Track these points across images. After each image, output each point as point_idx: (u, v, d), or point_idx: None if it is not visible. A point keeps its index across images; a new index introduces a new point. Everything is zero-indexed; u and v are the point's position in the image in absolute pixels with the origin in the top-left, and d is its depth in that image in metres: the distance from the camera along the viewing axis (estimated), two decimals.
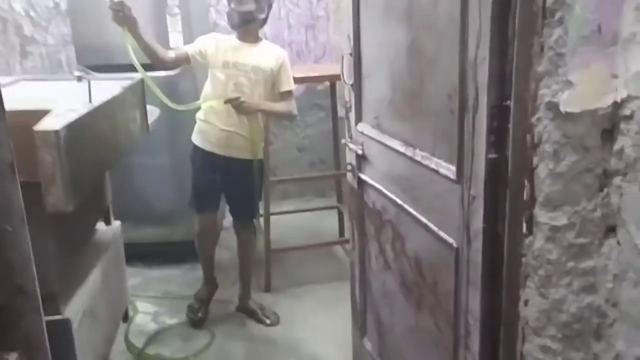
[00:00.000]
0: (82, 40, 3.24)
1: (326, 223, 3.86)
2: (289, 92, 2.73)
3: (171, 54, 2.64)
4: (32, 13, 3.97)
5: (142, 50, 2.46)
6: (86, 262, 2.19)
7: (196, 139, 2.74)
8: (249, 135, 2.67)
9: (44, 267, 1.32)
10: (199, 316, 2.85)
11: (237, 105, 2.53)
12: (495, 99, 1.16)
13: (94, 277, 2.18)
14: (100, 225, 2.60)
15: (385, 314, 1.93)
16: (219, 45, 2.67)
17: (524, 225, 1.13)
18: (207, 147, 2.71)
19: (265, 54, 2.68)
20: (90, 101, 1.65)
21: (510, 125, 1.13)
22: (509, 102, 1.13)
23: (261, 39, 2.76)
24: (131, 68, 2.35)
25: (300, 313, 2.93)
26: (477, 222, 1.24)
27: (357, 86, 1.93)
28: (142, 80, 2.25)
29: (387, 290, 1.88)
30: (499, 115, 1.16)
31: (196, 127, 2.75)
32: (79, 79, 2.11)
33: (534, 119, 1.08)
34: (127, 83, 2.06)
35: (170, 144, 3.26)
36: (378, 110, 1.80)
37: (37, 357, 1.11)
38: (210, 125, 2.68)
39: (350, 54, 1.93)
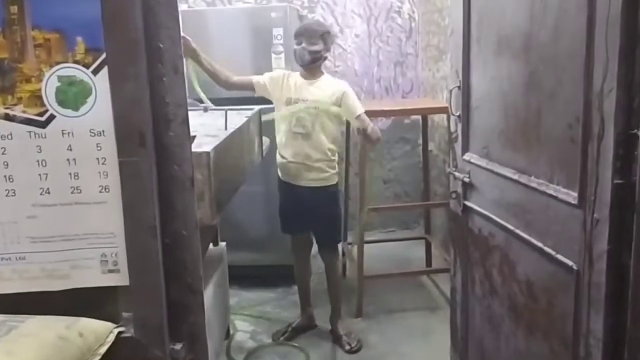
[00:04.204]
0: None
1: (412, 254, 3.94)
2: (361, 116, 2.81)
3: (234, 78, 2.85)
4: None
5: (206, 73, 2.72)
6: (204, 276, 2.37)
7: (278, 170, 2.97)
8: (318, 163, 2.82)
9: None
10: (281, 338, 3.02)
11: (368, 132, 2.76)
12: (622, 128, 1.23)
13: (209, 292, 2.35)
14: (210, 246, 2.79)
15: (490, 339, 1.97)
16: (284, 83, 2.85)
17: None
18: (284, 178, 2.93)
19: (325, 89, 2.81)
20: (226, 128, 1.85)
21: (638, 152, 1.19)
22: (636, 130, 1.20)
23: (323, 74, 2.89)
24: (238, 101, 2.63)
25: (391, 339, 3.00)
26: (601, 245, 1.29)
27: (465, 118, 2.03)
28: (259, 112, 2.46)
29: (493, 314, 1.93)
30: (624, 143, 1.23)
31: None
32: (205, 109, 2.34)
33: None
34: (249, 113, 2.27)
35: (267, 172, 3.46)
36: (487, 140, 1.89)
37: (198, 349, 1.26)
38: (282, 159, 2.88)
39: (459, 87, 2.04)
